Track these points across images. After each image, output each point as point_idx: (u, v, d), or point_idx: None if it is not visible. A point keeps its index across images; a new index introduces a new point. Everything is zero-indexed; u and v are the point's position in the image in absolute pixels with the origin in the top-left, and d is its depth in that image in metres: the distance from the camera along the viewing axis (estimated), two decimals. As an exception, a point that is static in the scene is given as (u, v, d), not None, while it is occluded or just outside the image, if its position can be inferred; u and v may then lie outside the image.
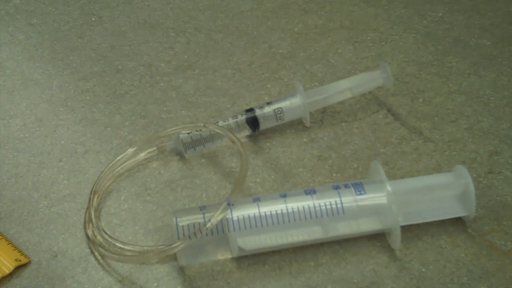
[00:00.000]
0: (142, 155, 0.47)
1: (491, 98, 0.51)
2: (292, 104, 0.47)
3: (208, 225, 0.37)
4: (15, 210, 0.44)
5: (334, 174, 0.45)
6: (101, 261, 0.40)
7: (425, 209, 0.40)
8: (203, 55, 0.57)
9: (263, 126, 0.48)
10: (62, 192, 0.45)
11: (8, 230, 0.43)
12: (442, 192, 0.40)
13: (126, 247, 0.40)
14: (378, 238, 0.40)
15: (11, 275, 0.40)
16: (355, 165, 0.46)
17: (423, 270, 0.39)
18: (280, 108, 0.47)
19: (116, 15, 0.63)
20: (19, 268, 0.40)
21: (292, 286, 0.38)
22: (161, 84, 0.54)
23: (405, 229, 0.39)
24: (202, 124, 0.44)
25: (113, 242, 0.40)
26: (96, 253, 0.41)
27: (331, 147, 0.48)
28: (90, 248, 0.41)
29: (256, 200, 0.39)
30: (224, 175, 0.46)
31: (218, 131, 0.44)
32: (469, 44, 0.56)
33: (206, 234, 0.37)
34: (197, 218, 0.38)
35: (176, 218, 0.38)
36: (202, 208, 0.39)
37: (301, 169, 0.46)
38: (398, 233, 0.38)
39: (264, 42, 0.58)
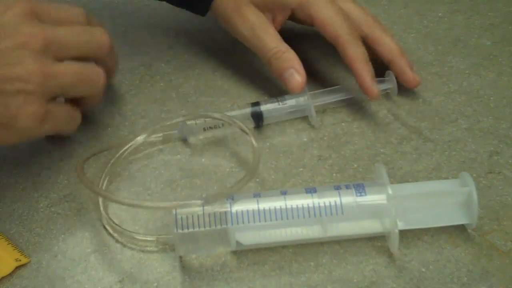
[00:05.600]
0: (143, 138, 0.47)
1: (491, 98, 0.51)
2: (296, 101, 0.48)
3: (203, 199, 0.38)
4: (15, 210, 0.44)
5: (334, 174, 0.45)
6: (101, 261, 0.40)
7: (426, 215, 0.39)
8: (203, 55, 0.57)
9: (266, 115, 0.48)
10: (62, 192, 0.45)
11: (8, 230, 0.43)
12: (445, 199, 0.39)
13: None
14: (378, 238, 0.40)
15: (11, 275, 0.40)
16: (355, 165, 0.46)
17: (423, 270, 0.39)
18: (283, 97, 0.49)
19: (116, 15, 0.63)
20: (19, 268, 0.40)
21: (292, 286, 0.38)
22: (161, 84, 0.54)
23: (405, 229, 0.39)
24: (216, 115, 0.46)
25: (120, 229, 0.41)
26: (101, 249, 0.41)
27: (331, 147, 0.48)
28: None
29: (256, 195, 0.39)
30: (224, 175, 0.46)
31: (228, 121, 0.45)
32: (469, 44, 0.56)
33: (200, 224, 0.38)
34: (197, 210, 0.38)
35: (175, 210, 0.38)
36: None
37: (301, 169, 0.46)
38: (396, 237, 0.38)
39: (264, 42, 0.58)
